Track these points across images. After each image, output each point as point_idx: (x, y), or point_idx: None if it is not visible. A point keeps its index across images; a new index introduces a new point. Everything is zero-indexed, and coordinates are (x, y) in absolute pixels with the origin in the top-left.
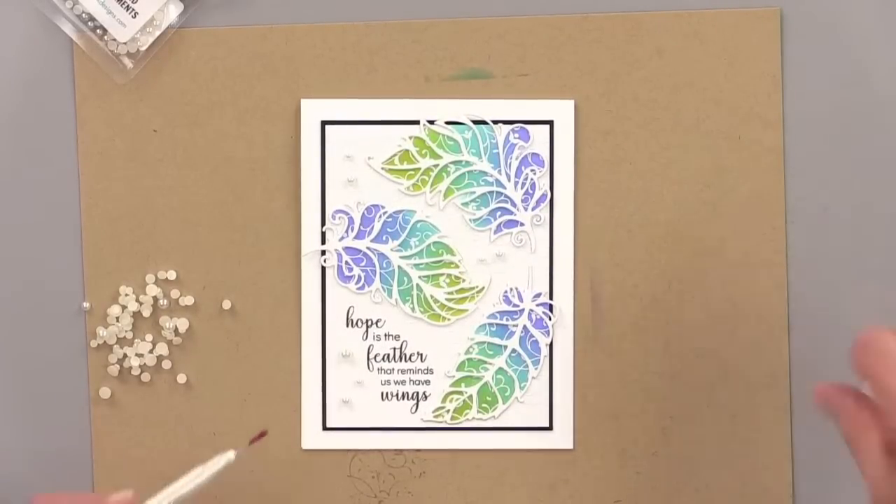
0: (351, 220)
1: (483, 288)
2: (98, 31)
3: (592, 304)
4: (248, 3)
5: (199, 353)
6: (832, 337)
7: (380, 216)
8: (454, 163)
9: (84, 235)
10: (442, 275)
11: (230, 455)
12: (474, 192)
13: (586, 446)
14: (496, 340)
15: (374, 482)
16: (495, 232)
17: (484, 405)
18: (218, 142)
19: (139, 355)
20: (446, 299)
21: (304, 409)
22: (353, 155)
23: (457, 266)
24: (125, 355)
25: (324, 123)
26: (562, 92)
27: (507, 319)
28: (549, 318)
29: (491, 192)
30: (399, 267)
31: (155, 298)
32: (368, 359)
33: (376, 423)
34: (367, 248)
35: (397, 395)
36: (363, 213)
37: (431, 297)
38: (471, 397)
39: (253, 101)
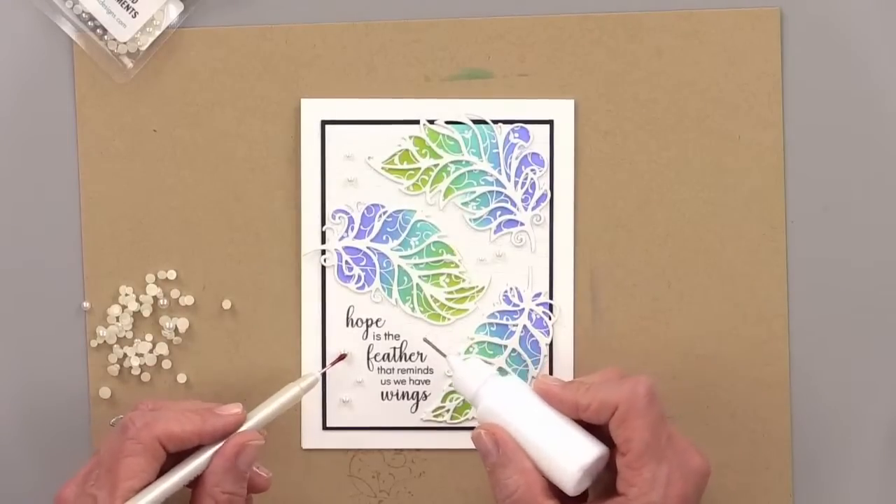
0: (351, 220)
1: (483, 288)
2: (98, 30)
3: (592, 304)
4: (248, 3)
5: (199, 353)
6: (832, 337)
7: (380, 216)
8: (454, 162)
9: (84, 235)
10: (442, 274)
11: (316, 374)
12: (474, 192)
13: None
14: (496, 340)
15: (374, 482)
16: (495, 232)
17: None
18: (218, 142)
19: (139, 355)
20: (446, 299)
21: (304, 408)
22: (353, 155)
23: (457, 266)
24: (125, 355)
25: (324, 123)
26: (562, 92)
27: (507, 319)
28: (549, 318)
29: (491, 192)
30: (399, 267)
31: (155, 298)
32: (368, 358)
33: (376, 423)
34: (367, 247)
35: (397, 394)
36: (363, 213)
37: (431, 296)
38: None
39: (253, 101)
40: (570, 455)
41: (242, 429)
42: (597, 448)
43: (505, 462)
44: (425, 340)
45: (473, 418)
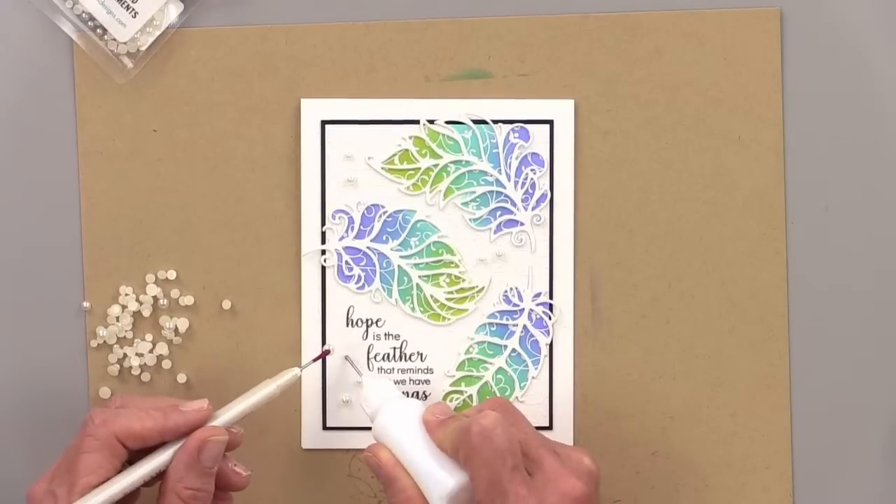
0: (351, 220)
1: (483, 288)
2: (98, 30)
3: (592, 304)
4: (248, 3)
5: (199, 353)
6: (832, 337)
7: (380, 216)
8: (454, 162)
9: (84, 235)
10: (442, 274)
11: (296, 371)
12: (474, 192)
13: (586, 446)
14: (496, 340)
15: (374, 482)
16: (495, 232)
17: None
18: (218, 142)
19: (139, 355)
20: (446, 299)
21: (304, 409)
22: (353, 155)
23: (457, 266)
24: (125, 355)
25: (324, 123)
26: (562, 92)
27: (507, 319)
28: (549, 318)
29: (491, 192)
30: (399, 267)
31: (155, 298)
32: (368, 358)
33: None
34: (367, 247)
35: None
36: (363, 213)
37: (431, 296)
38: (471, 397)
39: (253, 101)
40: (437, 482)
41: (210, 425)
42: (455, 478)
43: (387, 482)
44: (346, 359)
45: None
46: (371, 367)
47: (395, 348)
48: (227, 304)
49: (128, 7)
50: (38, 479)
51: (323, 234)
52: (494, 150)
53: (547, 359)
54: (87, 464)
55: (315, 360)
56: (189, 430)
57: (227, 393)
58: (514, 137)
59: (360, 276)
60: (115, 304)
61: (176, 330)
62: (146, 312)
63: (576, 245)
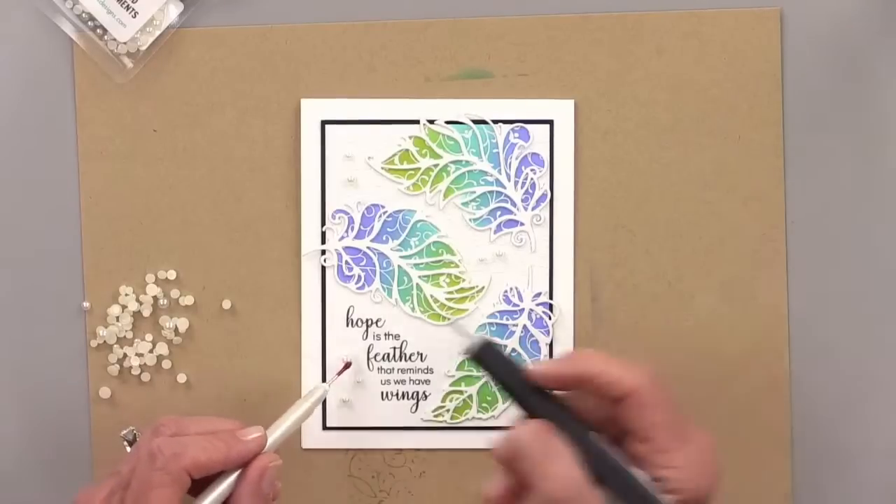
0: (351, 220)
1: (483, 288)
2: (98, 30)
3: (592, 304)
4: (248, 3)
5: (199, 353)
6: (832, 337)
7: (380, 216)
8: (454, 162)
9: (84, 235)
10: (442, 274)
11: (325, 387)
12: (474, 192)
13: None
14: (496, 340)
15: (374, 482)
16: (495, 232)
17: (484, 405)
18: (218, 142)
19: (139, 355)
20: (446, 299)
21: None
22: (353, 155)
23: (457, 266)
24: (125, 355)
25: (324, 123)
26: (562, 92)
27: (507, 319)
28: (549, 318)
29: (491, 192)
30: (399, 267)
31: (155, 298)
32: (368, 358)
33: (376, 423)
34: (367, 247)
35: (397, 394)
36: (363, 213)
37: (431, 296)
38: (471, 397)
39: (253, 101)
40: None
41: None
42: None
43: None
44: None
45: (474, 418)
46: (371, 367)
47: (395, 348)
48: (227, 304)
49: (128, 7)
50: (87, 493)
51: (323, 234)
52: (494, 150)
53: (547, 359)
54: (160, 499)
55: (339, 373)
56: (248, 458)
57: (227, 393)
58: (514, 137)
59: (360, 276)
60: (115, 304)
61: (176, 330)
62: (146, 312)
63: (576, 245)
